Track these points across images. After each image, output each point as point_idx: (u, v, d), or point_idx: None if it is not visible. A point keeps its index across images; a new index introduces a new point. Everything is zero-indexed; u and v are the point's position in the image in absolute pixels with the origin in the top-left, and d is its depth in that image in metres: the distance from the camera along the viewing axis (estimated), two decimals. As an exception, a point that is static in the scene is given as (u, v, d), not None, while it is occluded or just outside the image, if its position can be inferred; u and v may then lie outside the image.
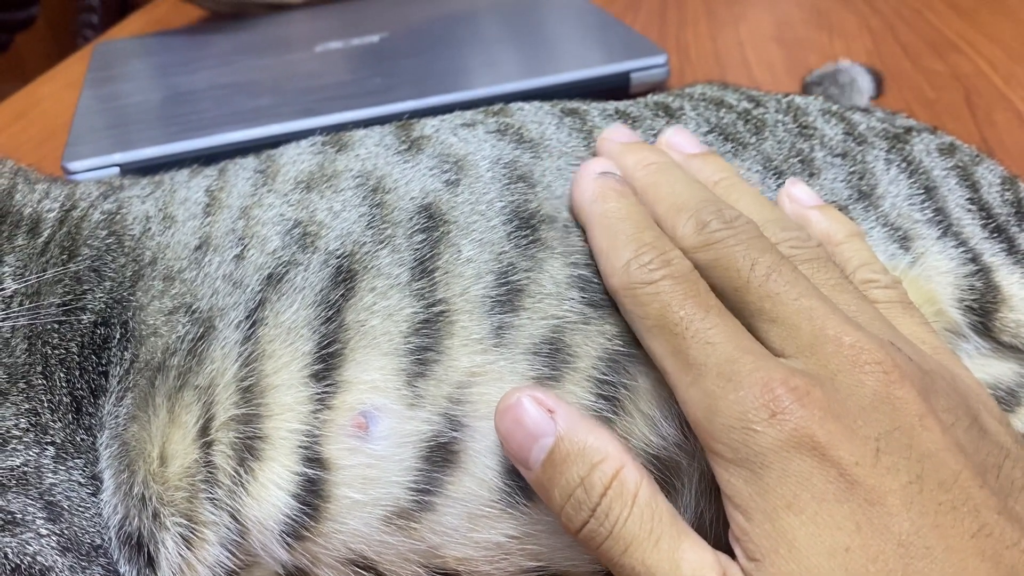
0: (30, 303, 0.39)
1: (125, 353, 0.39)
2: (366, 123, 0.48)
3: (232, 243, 0.40)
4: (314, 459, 0.35)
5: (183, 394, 0.37)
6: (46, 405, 0.37)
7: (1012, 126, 0.68)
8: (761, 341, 0.31)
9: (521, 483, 0.33)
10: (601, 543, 0.30)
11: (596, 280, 0.35)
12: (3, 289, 0.39)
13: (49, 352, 0.38)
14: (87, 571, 0.36)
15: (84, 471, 0.37)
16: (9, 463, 0.36)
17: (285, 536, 0.35)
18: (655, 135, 0.44)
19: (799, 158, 0.44)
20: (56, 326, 0.39)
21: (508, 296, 0.36)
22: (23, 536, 0.35)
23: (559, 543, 0.35)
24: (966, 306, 0.41)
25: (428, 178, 0.40)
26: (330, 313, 0.36)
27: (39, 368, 0.38)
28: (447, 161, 0.41)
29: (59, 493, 0.36)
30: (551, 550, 0.35)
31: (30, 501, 0.36)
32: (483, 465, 0.34)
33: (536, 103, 0.47)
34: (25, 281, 0.40)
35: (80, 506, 0.36)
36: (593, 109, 0.47)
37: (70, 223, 0.43)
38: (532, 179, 0.40)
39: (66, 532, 0.36)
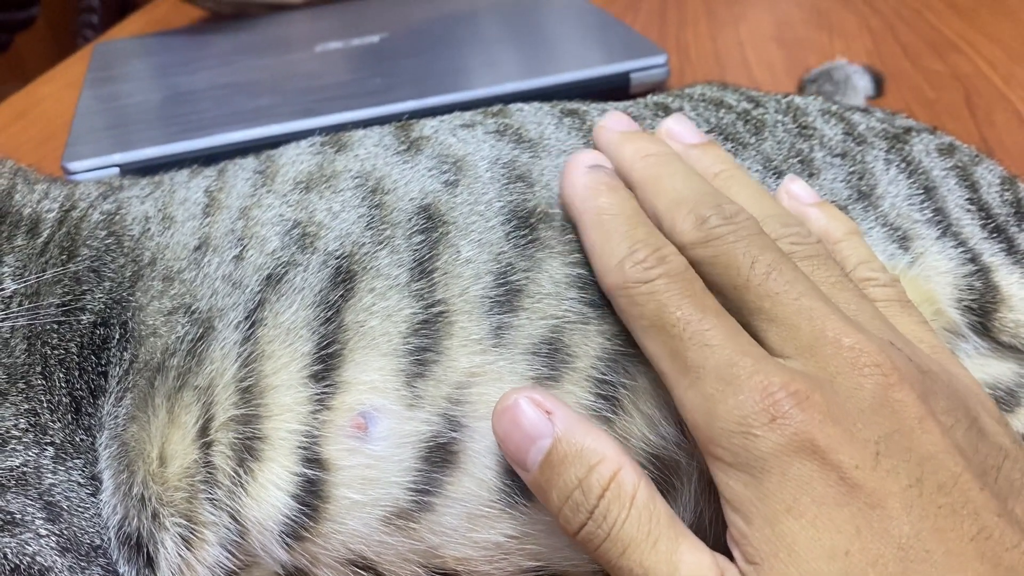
0: (29, 303, 0.39)
1: (124, 353, 0.39)
2: (366, 123, 0.48)
3: (231, 244, 0.40)
4: (313, 460, 0.35)
5: (182, 394, 0.37)
6: (45, 405, 0.37)
7: (1012, 126, 0.68)
8: (759, 340, 0.31)
9: (520, 483, 0.33)
10: (599, 545, 0.30)
11: (595, 280, 0.35)
12: (2, 289, 0.39)
13: (48, 352, 0.38)
14: (86, 571, 0.36)
15: (83, 471, 0.37)
16: (8, 463, 0.36)
17: (284, 536, 0.35)
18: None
19: (799, 158, 0.44)
20: (55, 326, 0.39)
21: (507, 296, 0.36)
22: (22, 536, 0.35)
23: (558, 543, 0.35)
24: (965, 306, 0.41)
25: (427, 179, 0.40)
26: (329, 314, 0.36)
27: (38, 368, 0.38)
28: (446, 162, 0.41)
29: (58, 493, 0.36)
30: (550, 550, 0.35)
31: (29, 501, 0.36)
32: (482, 465, 0.34)
33: (535, 104, 0.47)
34: (24, 281, 0.40)
35: (79, 506, 0.36)
36: (593, 109, 0.47)
37: (69, 223, 0.43)
38: (531, 178, 0.40)
39: (65, 532, 0.36)
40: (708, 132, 0.45)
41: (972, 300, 0.41)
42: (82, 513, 0.36)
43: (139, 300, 0.40)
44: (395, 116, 0.52)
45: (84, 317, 0.39)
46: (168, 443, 0.36)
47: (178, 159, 0.63)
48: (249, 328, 0.37)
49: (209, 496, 0.35)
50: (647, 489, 0.30)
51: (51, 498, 0.36)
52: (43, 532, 0.35)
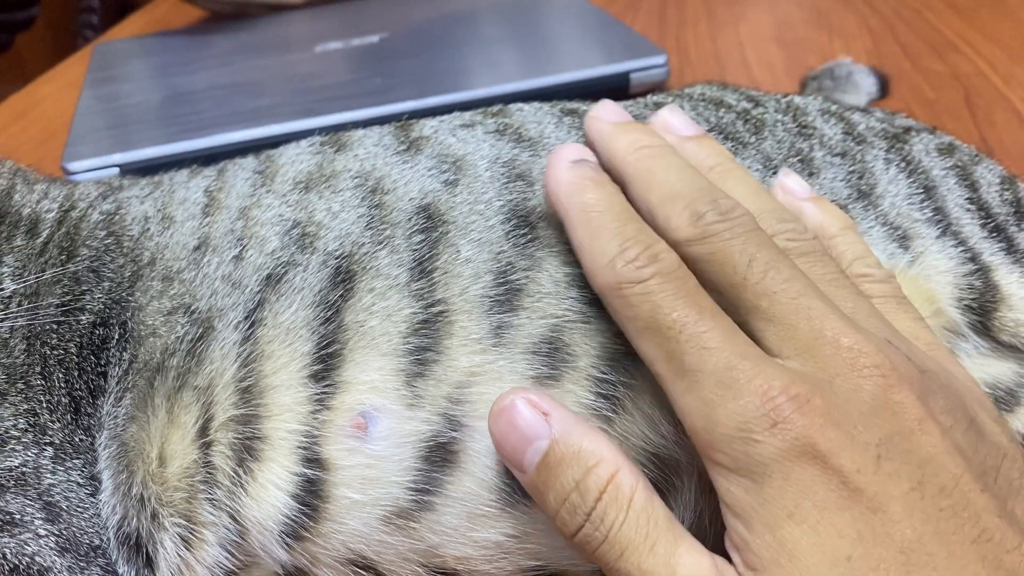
0: (29, 303, 0.39)
1: (124, 354, 0.39)
2: (366, 123, 0.48)
3: (231, 244, 0.40)
4: (313, 459, 0.35)
5: (182, 394, 0.37)
6: (45, 405, 0.37)
7: (1012, 126, 0.68)
8: (755, 339, 0.31)
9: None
10: (596, 548, 0.29)
11: None
12: (2, 290, 0.39)
13: (48, 352, 0.38)
14: (85, 571, 0.36)
15: (83, 471, 0.37)
16: (8, 463, 0.36)
17: (284, 536, 0.35)
18: None
19: (798, 157, 0.44)
20: (55, 326, 0.39)
21: (507, 296, 0.35)
22: (22, 536, 0.35)
23: (558, 542, 0.35)
24: (965, 305, 0.41)
25: (427, 178, 0.40)
26: (329, 314, 0.36)
27: (38, 368, 0.38)
28: (446, 161, 0.41)
29: (58, 494, 0.36)
30: (550, 549, 0.35)
31: (29, 502, 0.36)
32: (482, 465, 0.34)
33: (535, 104, 0.47)
34: (24, 282, 0.40)
35: (79, 506, 0.36)
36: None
37: (69, 223, 0.43)
38: (531, 177, 0.39)
39: (64, 532, 0.36)
40: (708, 131, 0.45)
41: (972, 299, 0.41)
42: (81, 513, 0.36)
43: (138, 300, 0.40)
44: (395, 116, 0.52)
45: (83, 317, 0.39)
46: (167, 443, 0.36)
47: (178, 159, 0.63)
48: (249, 328, 0.37)
49: (209, 496, 0.35)
50: (645, 491, 0.30)
51: (50, 498, 0.36)
52: (42, 532, 0.35)
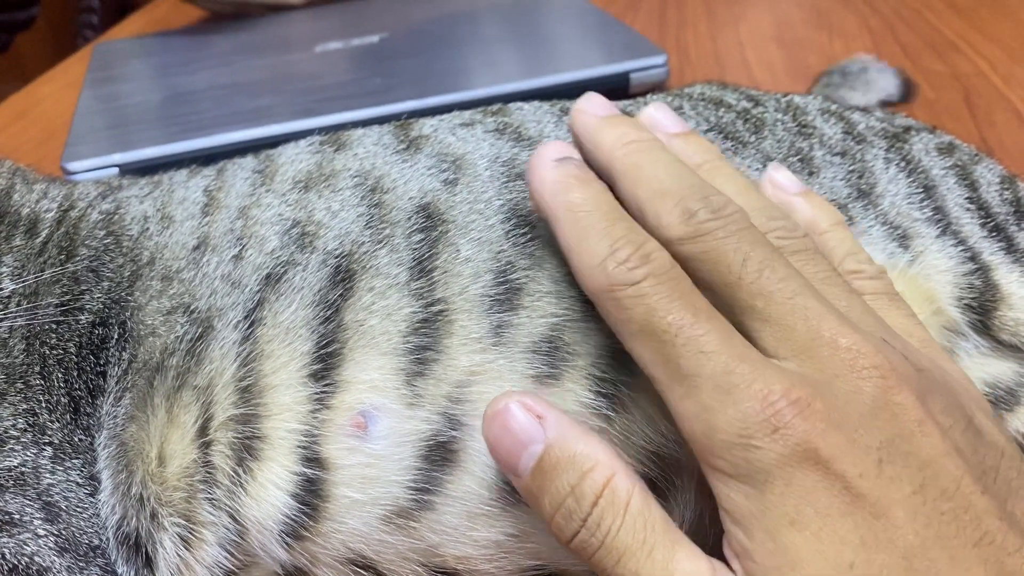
0: (28, 303, 0.39)
1: (123, 353, 0.39)
2: (366, 123, 0.48)
3: (230, 243, 0.40)
4: (313, 459, 0.35)
5: (181, 394, 0.37)
6: (44, 405, 0.37)
7: (1012, 126, 0.68)
8: (751, 340, 0.30)
9: (520, 482, 0.33)
10: (593, 553, 0.29)
11: None
12: (1, 289, 0.39)
13: (47, 352, 0.38)
14: (85, 571, 0.36)
15: (82, 471, 0.37)
16: (7, 463, 0.36)
17: (284, 536, 0.35)
18: None
19: (798, 157, 0.44)
20: (54, 326, 0.39)
21: (507, 295, 0.35)
22: (21, 536, 0.35)
23: (558, 542, 0.35)
24: (965, 304, 0.41)
25: (426, 177, 0.40)
26: (329, 313, 0.36)
27: (37, 368, 0.38)
28: (445, 160, 0.41)
29: (57, 493, 0.36)
30: (551, 549, 0.35)
31: (28, 501, 0.36)
32: (482, 464, 0.34)
33: (535, 103, 0.47)
34: (23, 281, 0.40)
35: (78, 506, 0.36)
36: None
37: (68, 223, 0.43)
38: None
39: (64, 532, 0.36)
40: (708, 131, 0.45)
41: (972, 298, 0.41)
42: (80, 513, 0.36)
43: (138, 300, 0.40)
44: (395, 116, 0.52)
45: (83, 317, 0.39)
46: (167, 443, 0.36)
47: (178, 159, 0.63)
48: (248, 327, 0.37)
49: (208, 496, 0.35)
50: (641, 495, 0.29)
51: (49, 498, 0.36)
52: (41, 532, 0.35)
